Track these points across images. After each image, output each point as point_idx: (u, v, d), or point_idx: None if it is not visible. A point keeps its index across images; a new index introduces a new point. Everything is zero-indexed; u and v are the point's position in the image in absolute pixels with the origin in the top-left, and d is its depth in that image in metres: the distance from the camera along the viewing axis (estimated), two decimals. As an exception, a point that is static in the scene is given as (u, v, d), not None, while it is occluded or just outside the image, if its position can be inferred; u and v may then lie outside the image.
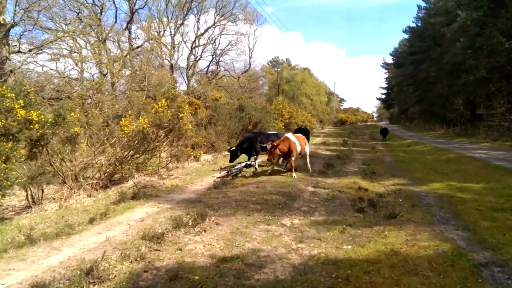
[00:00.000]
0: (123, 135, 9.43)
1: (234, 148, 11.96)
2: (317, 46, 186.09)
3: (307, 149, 12.22)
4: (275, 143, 10.74)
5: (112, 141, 10.71)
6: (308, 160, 12.05)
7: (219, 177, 10.55)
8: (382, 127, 31.15)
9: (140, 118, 9.73)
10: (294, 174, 10.67)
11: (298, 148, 11.06)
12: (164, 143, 11.53)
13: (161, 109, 10.06)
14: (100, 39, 25.29)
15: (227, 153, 16.94)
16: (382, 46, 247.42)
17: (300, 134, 12.28)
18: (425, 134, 37.06)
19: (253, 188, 9.00)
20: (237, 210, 7.04)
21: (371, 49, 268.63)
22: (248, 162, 11.37)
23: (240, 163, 11.72)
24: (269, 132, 14.85)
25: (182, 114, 10.70)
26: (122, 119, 9.47)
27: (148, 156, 10.88)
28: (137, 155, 10.50)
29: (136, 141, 10.45)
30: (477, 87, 29.30)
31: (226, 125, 17.58)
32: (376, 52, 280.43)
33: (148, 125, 9.65)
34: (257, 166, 12.60)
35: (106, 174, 9.99)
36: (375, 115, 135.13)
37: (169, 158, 11.50)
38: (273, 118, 22.01)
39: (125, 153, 10.25)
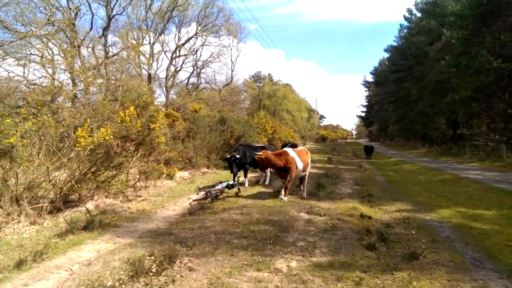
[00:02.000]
0: (80, 149, 7.76)
1: (235, 156, 10.62)
2: (299, 64, 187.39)
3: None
4: (269, 153, 9.44)
5: (71, 155, 8.97)
6: (306, 182, 10.45)
7: (196, 200, 8.96)
8: (367, 145, 29.98)
9: (102, 128, 8.10)
10: (285, 198, 9.18)
11: (300, 165, 9.53)
12: (134, 158, 9.88)
13: (128, 118, 8.45)
14: (74, 45, 23.57)
15: (206, 169, 15.43)
16: (362, 65, 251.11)
17: (303, 148, 10.84)
18: (407, 153, 36.39)
19: (237, 215, 7.47)
20: (217, 247, 5.48)
21: (351, 69, 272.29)
22: (231, 182, 9.80)
23: (220, 182, 10.17)
24: (256, 145, 13.39)
25: (154, 125, 9.11)
26: (79, 129, 7.81)
27: (111, 173, 9.20)
28: (99, 172, 8.82)
29: (99, 156, 8.79)
30: (461, 106, 28.86)
31: (206, 138, 16.00)
32: (356, 71, 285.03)
33: (111, 137, 8.02)
34: (247, 184, 11.13)
35: (60, 195, 8.30)
36: (354, 132, 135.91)
37: (137, 176, 9.82)
38: (256, 133, 20.58)
39: (84, 170, 8.57)
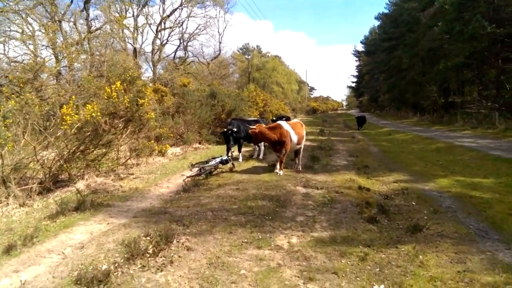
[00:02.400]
0: (66, 127, 7.40)
1: (231, 129, 10.51)
2: (288, 35, 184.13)
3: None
4: (263, 127, 9.23)
5: (58, 134, 8.60)
6: (301, 155, 10.29)
7: (189, 177, 8.74)
8: (359, 116, 29.53)
9: (88, 105, 7.72)
10: (280, 172, 9.02)
11: (295, 138, 9.31)
12: (124, 135, 9.55)
13: (115, 94, 8.07)
14: (55, 19, 22.58)
15: (198, 145, 15.16)
16: (351, 35, 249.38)
17: (297, 121, 10.59)
18: (399, 122, 36.37)
19: (233, 191, 7.28)
20: (214, 225, 5.31)
21: (341, 39, 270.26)
22: (224, 157, 9.57)
23: (214, 158, 9.95)
24: (250, 118, 13.10)
25: (143, 100, 8.75)
26: (64, 106, 7.43)
27: (101, 151, 8.90)
28: (87, 151, 8.52)
29: (88, 134, 8.46)
30: (453, 73, 28.69)
31: (196, 113, 15.61)
32: (345, 41, 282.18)
33: (98, 114, 7.66)
34: (241, 159, 10.96)
35: (49, 175, 8.02)
36: (344, 103, 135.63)
37: (128, 154, 9.52)
38: (247, 106, 20.20)
39: (72, 149, 8.26)
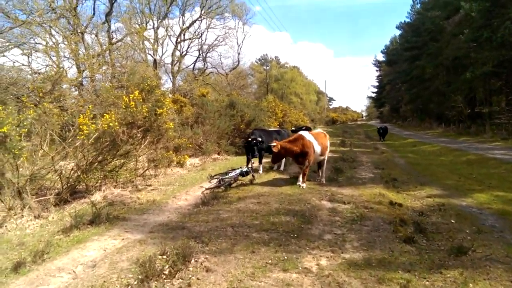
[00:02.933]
0: (82, 137, 7.18)
1: (255, 139, 10.15)
2: (306, 46, 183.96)
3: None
4: (283, 142, 8.74)
5: (76, 145, 8.42)
6: (324, 166, 9.81)
7: (208, 189, 8.40)
8: (381, 127, 28.72)
9: (106, 115, 7.50)
10: (303, 184, 8.58)
11: (318, 149, 8.87)
12: (142, 146, 9.31)
13: (133, 104, 7.84)
14: (77, 32, 22.98)
15: (216, 156, 14.85)
16: (370, 46, 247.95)
17: (320, 131, 10.15)
18: (423, 133, 35.26)
19: (254, 205, 6.88)
20: (235, 243, 4.90)
21: (359, 50, 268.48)
22: (244, 169, 9.19)
23: (233, 169, 9.58)
24: (270, 129, 12.69)
25: (161, 110, 8.49)
26: (81, 116, 7.22)
27: (119, 162, 8.67)
28: (105, 161, 8.29)
29: (105, 144, 8.25)
30: (481, 83, 27.67)
31: (215, 124, 15.36)
32: (364, 52, 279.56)
33: (116, 124, 7.42)
34: (261, 171, 10.55)
35: (67, 186, 7.82)
36: (364, 114, 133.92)
37: (146, 165, 9.25)
38: (267, 116, 19.85)
39: (89, 159, 8.05)
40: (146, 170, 9.12)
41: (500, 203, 7.13)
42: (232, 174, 8.97)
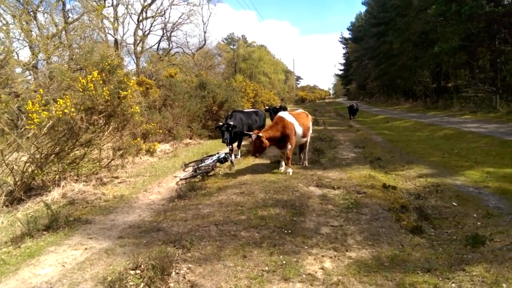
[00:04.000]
0: (32, 126, 6.13)
1: (228, 123, 9.11)
2: (272, 24, 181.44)
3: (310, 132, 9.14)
4: (264, 131, 7.84)
5: (30, 135, 7.29)
6: (307, 149, 9.14)
7: (183, 179, 7.59)
8: (352, 105, 27.56)
9: (59, 100, 6.45)
10: (289, 170, 7.88)
11: (299, 131, 8.10)
12: (106, 133, 8.29)
13: (91, 86, 6.80)
14: (28, 11, 20.97)
15: (189, 140, 13.95)
16: (334, 24, 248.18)
17: (302, 111, 9.31)
18: (391, 109, 35.47)
19: (237, 196, 6.14)
20: (222, 246, 4.18)
21: (324, 28, 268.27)
22: (222, 155, 8.38)
23: (209, 155, 8.80)
24: (249, 110, 11.80)
25: (125, 92, 7.50)
26: (29, 102, 6.12)
27: (79, 153, 7.65)
28: (63, 153, 7.26)
29: (62, 134, 7.20)
30: (449, 57, 27.85)
31: (186, 106, 14.35)
32: (329, 30, 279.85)
33: (72, 110, 6.40)
34: (239, 156, 9.81)
35: (21, 182, 6.78)
36: (331, 92, 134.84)
37: (112, 154, 8.25)
38: (239, 97, 18.96)
39: (44, 151, 7.01)
40: (111, 160, 8.13)
41: (495, 181, 6.76)
42: (209, 161, 8.18)
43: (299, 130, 8.13)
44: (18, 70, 16.17)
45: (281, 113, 8.34)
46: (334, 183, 6.89)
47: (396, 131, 16.82)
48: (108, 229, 4.93)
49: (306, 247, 4.12)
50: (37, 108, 6.14)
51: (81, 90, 6.83)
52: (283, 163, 8.14)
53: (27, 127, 6.18)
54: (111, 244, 4.35)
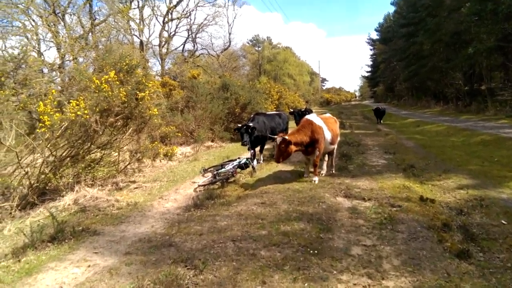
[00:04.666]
0: (43, 129, 5.84)
1: (247, 124, 8.67)
2: (298, 26, 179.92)
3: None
4: (290, 134, 7.22)
5: (46, 137, 7.05)
6: (334, 155, 8.47)
7: (202, 185, 7.17)
8: (378, 108, 25.83)
9: (72, 102, 6.15)
10: (315, 178, 7.26)
11: (328, 136, 7.41)
12: (126, 135, 7.98)
13: (106, 87, 6.47)
14: (56, 13, 21.34)
15: (210, 143, 13.58)
16: (361, 25, 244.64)
17: (329, 115, 8.56)
18: (421, 112, 34.14)
19: (258, 207, 5.65)
20: (239, 267, 3.69)
21: (351, 29, 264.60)
22: (243, 160, 7.91)
23: (230, 160, 8.36)
24: (272, 112, 11.26)
25: (142, 94, 7.16)
26: (40, 104, 5.84)
27: (95, 156, 7.37)
28: (78, 156, 6.98)
29: (78, 136, 6.93)
30: (483, 58, 26.40)
31: (208, 108, 14.00)
32: (355, 31, 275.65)
33: (86, 112, 6.09)
34: (261, 161, 9.26)
35: (36, 185, 6.55)
36: (357, 94, 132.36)
37: (128, 158, 7.90)
38: (263, 99, 18.48)
39: (58, 154, 6.75)
40: (128, 164, 7.80)
41: (548, 195, 6.01)
42: (229, 166, 7.72)
43: (328, 135, 7.44)
44: (45, 70, 16.35)
45: (309, 116, 7.69)
46: (364, 193, 6.29)
47: (428, 136, 15.89)
48: (116, 242, 4.53)
49: (335, 271, 3.59)
50: (49, 110, 5.84)
51: (96, 91, 6.51)
52: (307, 171, 7.59)
53: (38, 130, 5.90)
54: (116, 262, 3.94)
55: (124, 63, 7.43)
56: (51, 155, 6.73)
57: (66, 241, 4.55)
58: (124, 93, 6.93)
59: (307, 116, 7.65)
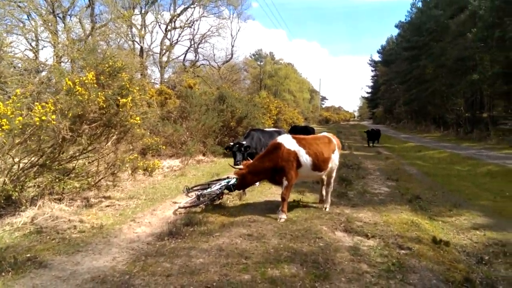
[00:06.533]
0: (1, 134, 5.01)
1: (239, 142, 8.04)
2: (301, 44, 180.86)
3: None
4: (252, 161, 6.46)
5: (16, 142, 6.19)
6: (330, 188, 6.91)
7: (183, 207, 6.32)
8: (372, 129, 23.87)
9: (37, 105, 5.34)
10: (282, 216, 5.88)
11: (307, 161, 6.15)
12: (108, 144, 7.14)
13: (80, 89, 5.66)
14: (57, 13, 20.86)
15: (201, 157, 12.76)
16: (364, 46, 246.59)
17: (325, 134, 7.12)
18: (421, 136, 33.45)
19: (243, 240, 4.80)
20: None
21: (353, 50, 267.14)
22: (232, 181, 7.03)
23: (218, 179, 7.51)
24: (270, 129, 10.43)
25: (124, 100, 6.36)
26: (-1, 105, 5.03)
27: (65, 167, 6.52)
28: (44, 167, 6.12)
29: (49, 144, 6.11)
30: (487, 85, 25.92)
31: (201, 120, 13.20)
32: (358, 52, 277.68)
33: (53, 117, 5.28)
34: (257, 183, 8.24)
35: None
36: (356, 114, 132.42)
37: (102, 171, 6.98)
38: (261, 113, 17.71)
39: (20, 164, 5.91)
40: (102, 179, 6.92)
41: None
42: (216, 187, 6.85)
43: (306, 160, 6.15)
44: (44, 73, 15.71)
45: (280, 138, 6.53)
46: (367, 228, 5.47)
47: (431, 163, 15.13)
48: (63, 280, 3.64)
49: None
50: (9, 113, 5.01)
51: (66, 93, 5.71)
52: (281, 206, 6.23)
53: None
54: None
55: (106, 65, 6.63)
56: (13, 163, 5.90)
57: (3, 274, 3.66)
58: (103, 98, 6.13)
59: (278, 138, 6.53)
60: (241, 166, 6.42)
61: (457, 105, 32.87)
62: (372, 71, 79.19)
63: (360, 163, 13.42)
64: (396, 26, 52.94)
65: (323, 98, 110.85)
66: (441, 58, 32.89)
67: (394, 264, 4.21)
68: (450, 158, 16.48)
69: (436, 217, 6.54)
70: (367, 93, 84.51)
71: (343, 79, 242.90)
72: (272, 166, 6.08)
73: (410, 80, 43.93)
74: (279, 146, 6.15)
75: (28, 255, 4.15)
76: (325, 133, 7.29)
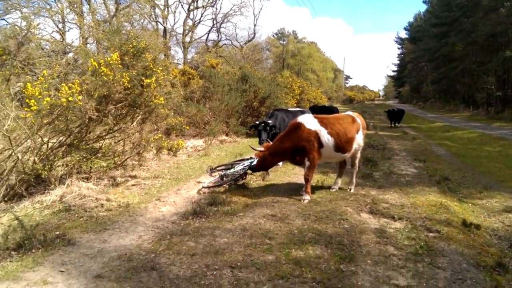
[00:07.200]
0: (28, 115, 5.12)
1: (264, 122, 8.12)
2: (325, 22, 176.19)
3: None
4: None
5: (45, 121, 6.34)
6: (355, 170, 6.76)
7: (206, 187, 6.36)
8: (393, 109, 22.33)
9: (63, 86, 5.40)
10: (306, 197, 5.81)
11: (329, 141, 5.94)
12: (134, 124, 7.23)
13: (105, 70, 5.69)
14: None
15: (224, 137, 12.78)
16: (389, 23, 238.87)
17: (349, 113, 6.85)
18: (449, 116, 32.38)
19: (267, 220, 4.79)
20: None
21: (379, 27, 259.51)
22: (255, 161, 7.01)
23: (242, 159, 7.51)
24: (295, 109, 10.31)
25: (148, 80, 6.37)
26: (28, 85, 5.10)
27: (92, 146, 6.65)
28: (72, 147, 6.25)
29: (78, 125, 6.23)
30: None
31: (224, 100, 13.16)
32: (383, 29, 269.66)
33: (79, 98, 5.33)
34: (280, 163, 8.05)
35: (22, 176, 5.88)
36: (381, 93, 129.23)
37: (127, 151, 7.09)
38: (284, 93, 17.50)
39: (49, 143, 6.06)
40: (127, 158, 7.03)
41: None
42: (240, 167, 6.85)
43: (328, 140, 5.95)
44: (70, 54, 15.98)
45: (301, 117, 6.26)
46: (393, 210, 5.35)
47: (460, 143, 14.64)
48: (91, 258, 3.73)
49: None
50: (36, 93, 5.10)
51: (91, 74, 5.75)
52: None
53: (21, 115, 5.18)
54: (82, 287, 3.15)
55: (130, 45, 6.63)
56: (42, 142, 6.05)
57: (33, 251, 3.79)
58: (128, 78, 6.15)
59: (299, 118, 6.26)
60: (261, 148, 6.35)
61: (488, 84, 31.45)
62: (398, 48, 76.56)
63: (385, 143, 13.11)
64: (424, 2, 50.73)
65: (347, 77, 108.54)
66: (471, 35, 31.37)
67: (422, 247, 4.11)
68: (480, 138, 15.91)
69: (466, 200, 6.33)
70: (393, 71, 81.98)
71: (368, 58, 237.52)
72: (292, 147, 5.95)
73: (438, 58, 42.27)
74: (299, 126, 6.00)
75: (57, 232, 4.27)
76: (349, 112, 7.06)
